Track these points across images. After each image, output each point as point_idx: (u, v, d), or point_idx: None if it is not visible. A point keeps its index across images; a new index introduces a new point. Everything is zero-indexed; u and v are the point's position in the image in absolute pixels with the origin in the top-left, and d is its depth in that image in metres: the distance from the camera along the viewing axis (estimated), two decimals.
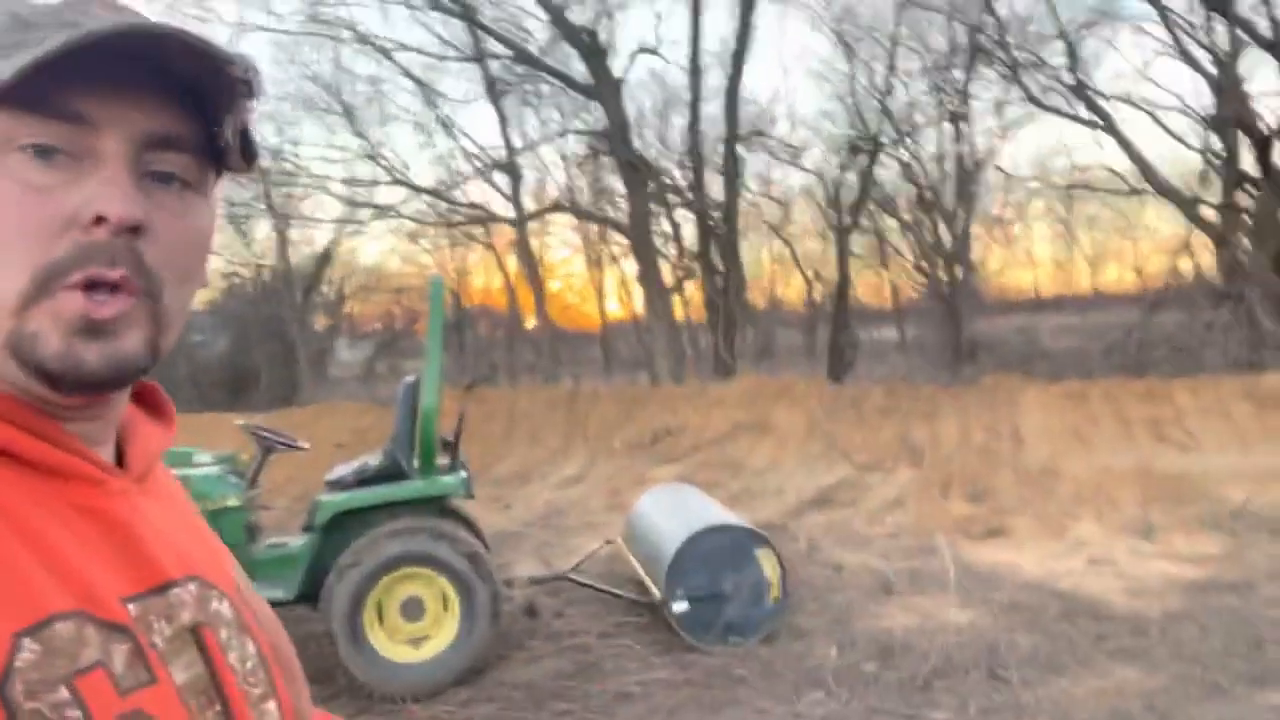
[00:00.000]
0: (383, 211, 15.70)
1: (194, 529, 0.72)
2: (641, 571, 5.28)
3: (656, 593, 4.85)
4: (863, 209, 15.76)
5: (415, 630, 4.45)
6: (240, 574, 0.74)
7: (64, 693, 0.51)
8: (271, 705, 0.67)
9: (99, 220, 0.56)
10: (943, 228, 15.74)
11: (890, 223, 17.37)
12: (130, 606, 0.58)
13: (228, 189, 16.97)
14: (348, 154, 15.40)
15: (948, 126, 15.21)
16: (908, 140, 15.34)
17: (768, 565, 4.78)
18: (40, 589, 0.53)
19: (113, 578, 0.58)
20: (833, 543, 6.94)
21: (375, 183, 15.14)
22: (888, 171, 16.15)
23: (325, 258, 18.90)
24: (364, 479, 4.67)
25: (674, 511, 5.43)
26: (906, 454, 9.59)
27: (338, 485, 4.67)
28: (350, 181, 15.40)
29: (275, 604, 4.52)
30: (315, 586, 4.41)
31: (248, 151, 0.65)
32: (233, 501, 4.68)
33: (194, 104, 0.61)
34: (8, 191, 0.56)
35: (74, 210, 0.56)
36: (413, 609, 4.44)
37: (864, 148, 14.87)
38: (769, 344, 20.56)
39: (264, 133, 16.14)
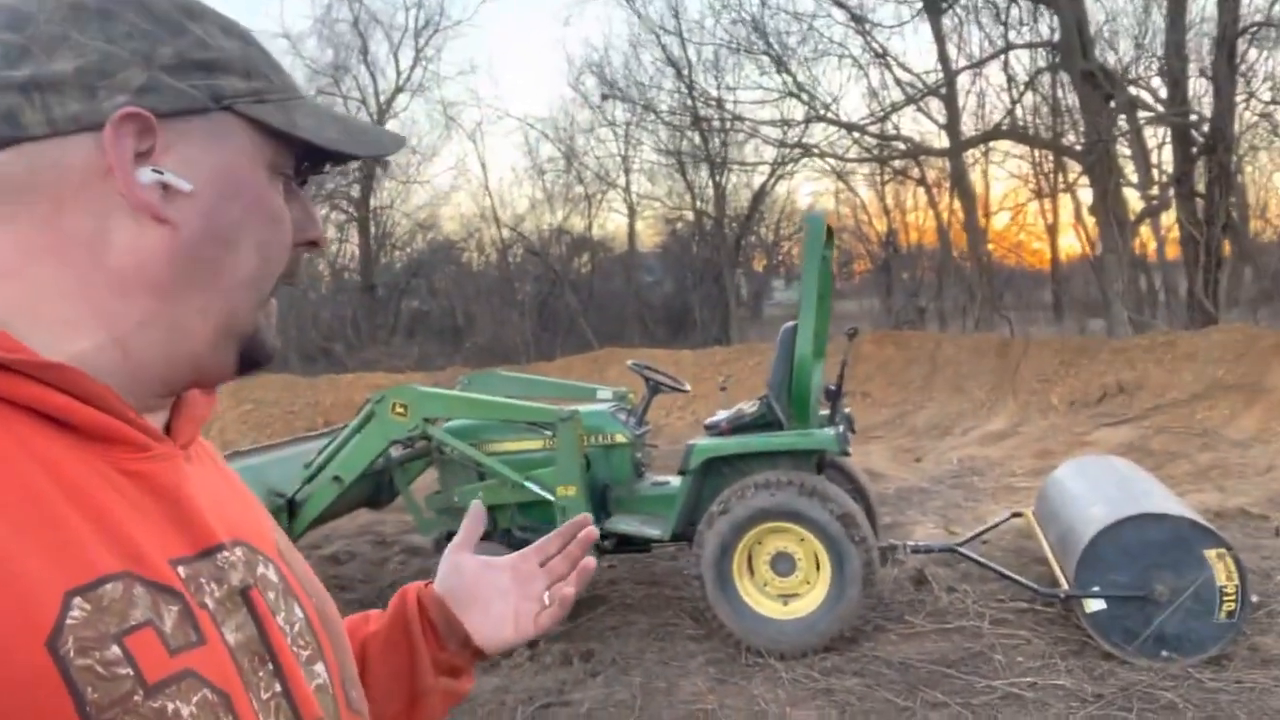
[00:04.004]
0: (809, 150, 15.48)
1: (237, 495, 0.73)
2: (1050, 555, 4.52)
3: (1064, 583, 4.09)
4: None
5: (785, 586, 4.27)
6: (283, 539, 0.74)
7: (114, 650, 0.51)
8: (320, 667, 0.67)
9: (313, 243, 0.68)
10: None
11: None
12: (179, 568, 0.58)
13: (672, 140, 17.99)
14: (778, 95, 15.38)
15: None
16: None
17: (1221, 569, 3.76)
18: (89, 549, 0.53)
19: (161, 540, 0.58)
20: None
21: (805, 122, 14.93)
22: None
23: (759, 199, 19.31)
24: (738, 426, 4.57)
25: (1098, 488, 4.53)
26: None
27: (713, 430, 4.63)
28: (780, 123, 15.39)
29: (653, 541, 4.65)
30: (690, 527, 4.43)
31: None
32: (620, 438, 4.88)
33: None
34: (280, 210, 0.64)
35: (290, 231, 0.66)
36: (783, 564, 4.26)
37: None
38: (1277, 287, 16.71)
39: (702, 83, 16.80)
